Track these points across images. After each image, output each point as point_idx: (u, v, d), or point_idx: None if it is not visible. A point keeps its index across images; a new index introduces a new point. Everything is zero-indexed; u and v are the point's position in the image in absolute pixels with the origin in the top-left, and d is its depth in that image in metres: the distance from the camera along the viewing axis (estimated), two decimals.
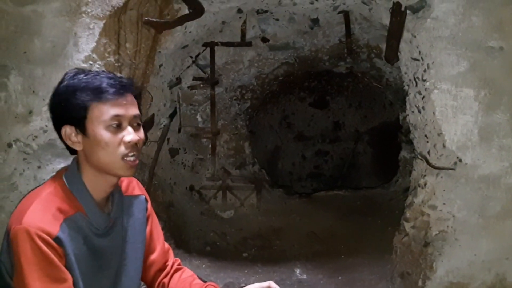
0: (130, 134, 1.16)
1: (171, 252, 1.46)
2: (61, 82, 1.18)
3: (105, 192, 1.23)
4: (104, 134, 1.15)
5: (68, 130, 1.17)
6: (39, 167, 2.08)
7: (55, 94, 1.18)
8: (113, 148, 1.15)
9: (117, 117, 1.15)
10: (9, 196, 2.05)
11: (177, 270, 1.43)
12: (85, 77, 1.17)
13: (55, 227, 1.08)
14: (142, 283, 1.42)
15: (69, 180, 1.19)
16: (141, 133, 1.21)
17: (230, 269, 2.76)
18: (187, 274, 1.41)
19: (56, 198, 1.14)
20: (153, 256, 1.39)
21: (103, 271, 1.22)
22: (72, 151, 1.22)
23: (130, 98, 1.19)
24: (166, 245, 1.45)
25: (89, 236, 1.17)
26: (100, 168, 1.18)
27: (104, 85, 1.15)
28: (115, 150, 1.16)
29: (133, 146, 1.17)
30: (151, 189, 2.84)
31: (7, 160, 2.07)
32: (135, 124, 1.20)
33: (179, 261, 1.47)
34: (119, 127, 1.16)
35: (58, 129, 1.19)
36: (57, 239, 1.08)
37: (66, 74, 1.20)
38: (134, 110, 1.19)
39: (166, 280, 1.39)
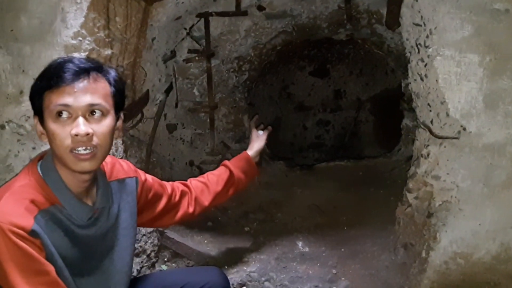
0: (76, 127, 1.05)
1: (174, 186, 1.63)
2: None
3: (83, 183, 1.16)
4: (52, 126, 1.07)
5: (36, 120, 1.13)
6: (34, 148, 2.04)
7: None
8: (60, 141, 1.07)
9: (63, 106, 1.05)
10: (5, 178, 2.01)
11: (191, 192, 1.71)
12: (52, 63, 1.09)
13: (28, 221, 1.03)
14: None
15: (44, 171, 1.13)
16: (99, 124, 1.10)
17: (232, 243, 2.75)
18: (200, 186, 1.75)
19: (30, 190, 1.08)
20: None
21: (90, 259, 1.19)
22: None
23: (85, 84, 1.08)
24: (169, 187, 1.60)
25: (70, 228, 1.12)
26: (59, 162, 1.12)
27: (56, 71, 1.06)
28: (63, 143, 1.07)
29: (81, 139, 1.06)
30: (149, 167, 2.81)
31: (1, 142, 2.04)
32: (91, 114, 1.09)
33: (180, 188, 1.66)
34: (69, 118, 1.07)
35: None
36: (32, 233, 1.03)
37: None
38: (88, 99, 1.07)
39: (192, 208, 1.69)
